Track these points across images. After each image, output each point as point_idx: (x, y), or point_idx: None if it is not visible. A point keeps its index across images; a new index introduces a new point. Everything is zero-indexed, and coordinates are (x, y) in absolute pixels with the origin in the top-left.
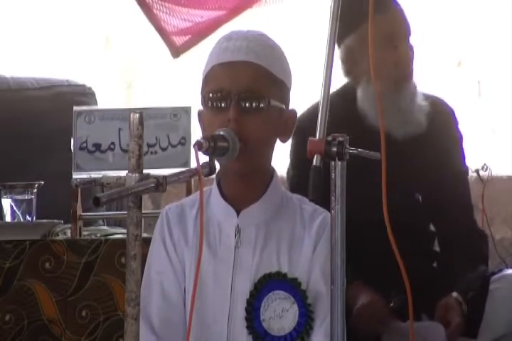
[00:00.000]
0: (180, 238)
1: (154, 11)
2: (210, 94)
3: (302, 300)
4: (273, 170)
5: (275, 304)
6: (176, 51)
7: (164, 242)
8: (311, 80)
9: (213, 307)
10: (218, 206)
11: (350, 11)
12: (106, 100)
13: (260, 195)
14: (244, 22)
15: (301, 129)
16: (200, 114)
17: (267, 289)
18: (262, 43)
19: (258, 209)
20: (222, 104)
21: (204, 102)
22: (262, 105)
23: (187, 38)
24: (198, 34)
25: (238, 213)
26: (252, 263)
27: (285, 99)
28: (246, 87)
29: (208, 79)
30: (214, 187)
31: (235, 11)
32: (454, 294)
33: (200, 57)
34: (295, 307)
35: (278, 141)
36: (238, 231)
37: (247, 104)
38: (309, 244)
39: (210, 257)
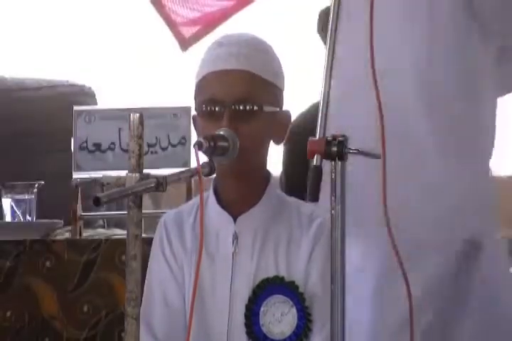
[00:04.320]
0: (179, 247)
1: (163, 1)
2: (204, 104)
3: (300, 303)
4: (268, 173)
5: (274, 308)
6: (184, 43)
7: (164, 253)
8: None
9: (213, 313)
10: (215, 213)
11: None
12: (106, 100)
13: (257, 199)
14: (251, 15)
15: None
16: (194, 119)
17: (265, 294)
18: (254, 48)
19: (256, 214)
20: (216, 113)
21: (198, 110)
22: (255, 112)
23: (196, 29)
24: (206, 25)
25: (235, 218)
26: (251, 269)
27: (278, 102)
28: (239, 96)
29: (201, 87)
30: (211, 193)
31: (244, 1)
32: None
33: (199, 56)
34: (293, 310)
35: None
36: (236, 237)
37: (240, 113)
38: (307, 245)
39: (208, 264)
